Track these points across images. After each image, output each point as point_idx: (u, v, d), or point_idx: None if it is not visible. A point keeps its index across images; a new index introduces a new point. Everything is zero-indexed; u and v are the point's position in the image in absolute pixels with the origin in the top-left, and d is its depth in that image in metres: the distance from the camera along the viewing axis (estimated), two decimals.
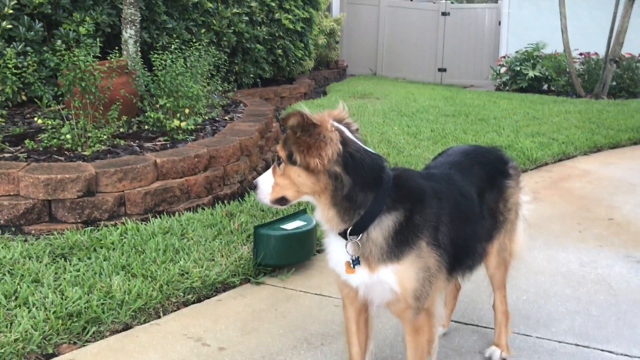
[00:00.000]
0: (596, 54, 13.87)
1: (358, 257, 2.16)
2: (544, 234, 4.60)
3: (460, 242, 2.32)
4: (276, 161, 2.20)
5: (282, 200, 2.20)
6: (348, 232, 2.13)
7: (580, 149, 7.51)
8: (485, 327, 3.18)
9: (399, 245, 2.13)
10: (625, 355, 2.93)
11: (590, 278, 3.82)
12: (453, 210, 2.30)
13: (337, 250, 2.22)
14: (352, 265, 2.16)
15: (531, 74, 13.75)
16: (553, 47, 14.05)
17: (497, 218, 2.69)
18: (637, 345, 3.01)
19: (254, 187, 2.24)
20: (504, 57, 15.03)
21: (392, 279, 2.14)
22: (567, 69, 13.36)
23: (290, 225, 3.87)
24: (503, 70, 14.76)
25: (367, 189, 2.11)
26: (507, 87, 14.44)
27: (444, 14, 17.39)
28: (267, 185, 2.20)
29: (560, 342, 3.03)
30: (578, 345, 3.01)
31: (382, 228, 2.13)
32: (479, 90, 14.34)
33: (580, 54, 14.02)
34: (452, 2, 19.75)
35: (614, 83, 13.26)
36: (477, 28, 17.12)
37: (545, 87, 14.18)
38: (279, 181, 2.17)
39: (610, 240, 4.51)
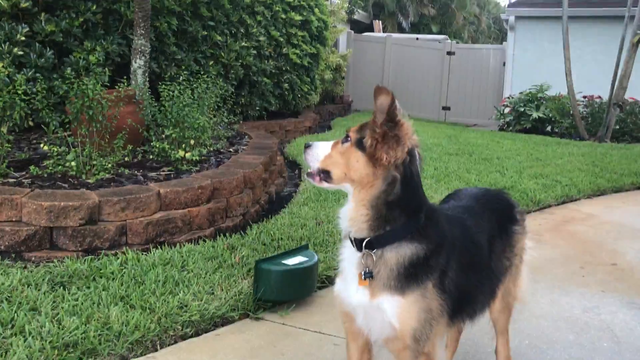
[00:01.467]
0: (600, 97, 13.98)
1: (372, 271, 2.12)
2: (547, 277, 4.56)
3: (465, 290, 2.30)
4: (342, 139, 2.21)
5: (326, 175, 2.20)
6: (364, 243, 2.11)
7: (583, 192, 7.50)
8: None
9: (407, 277, 2.10)
10: None
11: (593, 324, 3.77)
12: (462, 257, 2.28)
13: (349, 263, 2.19)
14: (364, 277, 2.12)
15: (535, 115, 13.85)
16: (557, 89, 14.17)
17: (503, 264, 2.67)
18: None
19: (308, 147, 2.26)
20: (508, 97, 15.15)
21: (392, 311, 2.10)
22: (571, 112, 13.45)
23: (292, 261, 3.84)
24: (507, 110, 14.86)
25: (406, 210, 2.10)
26: (511, 128, 14.52)
27: (449, 53, 17.59)
28: (321, 153, 2.23)
29: None
30: None
31: (399, 252, 2.11)
32: (482, 130, 14.42)
33: (584, 97, 14.13)
34: (458, 42, 20.02)
35: (618, 127, 13.33)
36: (482, 68, 17.30)
37: (548, 128, 14.26)
38: (335, 156, 2.19)
39: (613, 285, 4.47)
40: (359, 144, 2.10)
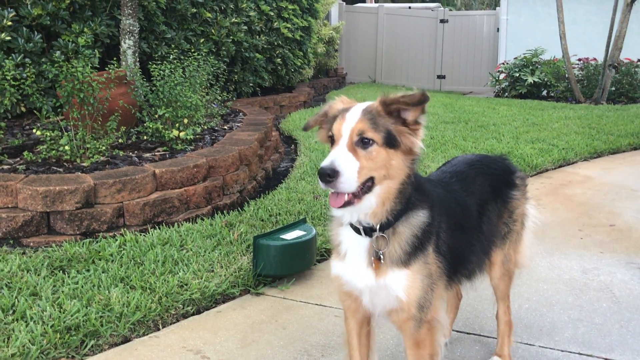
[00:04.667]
0: (595, 59, 13.88)
1: (383, 252, 2.08)
2: (546, 240, 4.57)
3: (455, 250, 2.30)
4: (356, 142, 1.92)
5: (370, 182, 1.95)
6: (378, 226, 2.05)
7: (580, 154, 7.49)
8: (488, 337, 3.15)
9: (415, 247, 2.09)
10: None
11: (592, 285, 3.79)
12: (449, 218, 2.28)
13: (356, 248, 2.13)
14: (381, 260, 2.08)
15: (530, 80, 13.76)
16: (552, 53, 14.07)
17: (500, 229, 2.66)
18: None
19: (334, 175, 1.84)
20: (503, 63, 15.04)
21: (399, 285, 2.08)
22: (566, 75, 13.36)
23: (290, 235, 3.84)
24: (502, 76, 14.77)
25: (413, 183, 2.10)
26: (507, 94, 14.45)
27: (442, 21, 17.42)
28: (353, 169, 1.88)
29: (563, 351, 3.00)
30: (581, 354, 2.97)
31: (410, 223, 2.09)
32: (478, 97, 14.35)
33: (579, 60, 14.03)
34: (451, 9, 19.81)
35: (613, 88, 13.26)
36: (476, 35, 17.15)
37: (544, 93, 14.19)
38: (368, 165, 1.92)
39: (611, 246, 4.48)
40: (389, 143, 1.96)
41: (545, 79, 13.78)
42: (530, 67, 14.08)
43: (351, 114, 1.97)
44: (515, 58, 14.56)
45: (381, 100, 2.00)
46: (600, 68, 13.24)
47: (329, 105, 2.12)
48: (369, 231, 2.07)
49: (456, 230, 2.31)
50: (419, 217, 2.10)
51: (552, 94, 14.01)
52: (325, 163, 1.86)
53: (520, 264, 2.86)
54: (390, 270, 2.09)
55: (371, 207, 2.01)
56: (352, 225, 2.11)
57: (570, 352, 2.99)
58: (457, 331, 3.20)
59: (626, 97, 13.31)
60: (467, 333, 3.20)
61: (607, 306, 3.50)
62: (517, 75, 14.07)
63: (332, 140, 1.99)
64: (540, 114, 10.63)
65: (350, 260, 2.15)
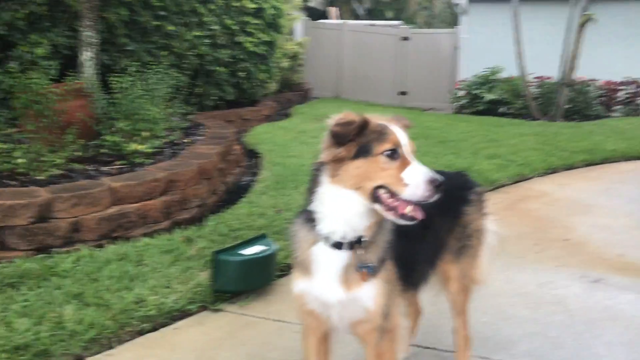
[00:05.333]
0: (551, 77, 14.27)
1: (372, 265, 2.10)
2: (502, 255, 4.61)
3: (402, 259, 2.32)
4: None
5: None
6: (364, 239, 2.09)
7: (536, 170, 7.66)
8: (445, 351, 3.17)
9: (385, 254, 2.14)
10: None
11: (547, 299, 3.86)
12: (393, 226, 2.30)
13: (332, 264, 2.11)
14: (370, 272, 2.09)
15: (488, 97, 14.05)
16: (510, 71, 14.40)
17: (452, 244, 2.69)
18: None
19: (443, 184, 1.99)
20: (462, 80, 15.33)
21: (369, 295, 2.10)
22: (523, 93, 13.70)
23: (250, 251, 3.81)
24: (462, 93, 15.04)
25: None
26: (466, 110, 14.71)
27: (404, 38, 17.67)
28: None
29: None
30: None
31: (384, 232, 2.15)
32: (438, 113, 14.57)
33: (536, 78, 14.40)
34: (412, 27, 20.15)
35: (568, 106, 13.64)
36: (436, 52, 17.44)
37: (502, 109, 14.50)
38: None
39: (566, 260, 4.59)
40: None
41: (504, 97, 14.09)
42: (489, 85, 14.38)
43: (401, 132, 2.06)
44: (474, 75, 14.85)
45: (407, 125, 2.19)
46: (555, 86, 13.61)
47: (363, 119, 2.04)
48: (351, 245, 2.09)
49: (401, 239, 2.33)
50: (387, 223, 2.15)
51: (510, 111, 14.32)
52: (433, 174, 2.00)
53: (477, 280, 2.89)
54: (359, 282, 2.11)
55: (374, 220, 2.09)
56: (331, 242, 2.10)
57: None
58: (416, 346, 3.21)
59: (580, 115, 13.70)
60: (425, 347, 3.22)
61: (561, 319, 3.57)
62: (476, 92, 14.35)
63: (361, 152, 2.00)
64: (498, 131, 10.85)
65: (321, 277, 2.14)
